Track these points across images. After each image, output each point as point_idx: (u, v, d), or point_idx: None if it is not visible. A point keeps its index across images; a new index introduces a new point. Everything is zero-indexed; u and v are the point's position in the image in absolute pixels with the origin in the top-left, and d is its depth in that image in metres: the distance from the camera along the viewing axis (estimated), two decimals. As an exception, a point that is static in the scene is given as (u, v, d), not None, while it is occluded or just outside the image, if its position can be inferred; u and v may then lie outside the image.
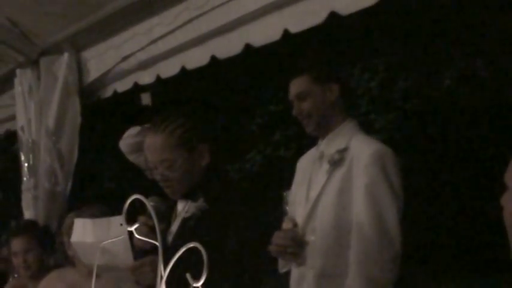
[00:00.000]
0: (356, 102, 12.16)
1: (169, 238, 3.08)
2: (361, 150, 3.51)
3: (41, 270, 4.36)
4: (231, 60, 4.26)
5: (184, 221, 3.07)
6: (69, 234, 3.92)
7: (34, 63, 5.38)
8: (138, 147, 3.79)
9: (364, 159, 3.46)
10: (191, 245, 1.60)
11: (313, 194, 3.58)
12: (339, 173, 3.51)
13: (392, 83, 12.07)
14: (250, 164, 12.31)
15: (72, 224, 3.91)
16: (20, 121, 5.47)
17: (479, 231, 11.28)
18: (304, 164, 3.84)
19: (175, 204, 3.15)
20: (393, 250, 3.40)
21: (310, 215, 3.56)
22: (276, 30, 3.75)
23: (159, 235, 1.79)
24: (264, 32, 3.86)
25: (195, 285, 1.56)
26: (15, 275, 4.63)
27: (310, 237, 3.54)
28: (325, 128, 3.65)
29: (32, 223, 4.82)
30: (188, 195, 3.07)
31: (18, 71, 5.48)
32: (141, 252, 2.88)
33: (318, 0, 3.50)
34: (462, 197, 11.81)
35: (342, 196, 3.48)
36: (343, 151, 3.53)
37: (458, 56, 11.59)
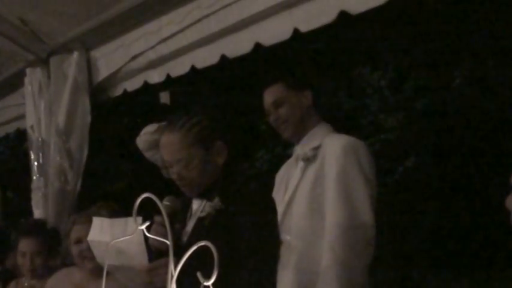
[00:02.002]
0: (365, 101, 12.16)
1: (185, 238, 3.07)
2: (332, 144, 3.62)
3: (45, 272, 4.36)
4: (241, 59, 4.26)
5: (200, 220, 3.05)
6: (70, 236, 3.93)
7: (44, 62, 5.39)
8: (155, 145, 3.79)
9: (335, 151, 3.58)
10: (202, 243, 1.60)
11: (289, 192, 3.69)
12: (312, 169, 3.65)
13: (402, 82, 12.06)
14: (260, 163, 12.32)
15: (72, 225, 3.94)
16: (30, 120, 5.47)
17: (487, 230, 11.26)
18: (282, 173, 3.99)
19: (190, 203, 3.13)
20: (365, 235, 3.48)
21: (285, 214, 3.64)
22: (286, 29, 3.75)
23: (170, 234, 1.78)
24: (274, 31, 3.86)
25: (205, 283, 1.55)
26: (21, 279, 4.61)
27: (286, 237, 3.59)
28: (300, 133, 3.80)
29: (42, 223, 4.81)
30: (204, 195, 3.05)
31: (28, 70, 5.49)
32: (157, 253, 2.87)
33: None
34: (471, 196, 11.79)
35: (315, 190, 3.59)
36: (316, 148, 3.67)
37: (468, 55, 11.57)
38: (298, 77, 3.90)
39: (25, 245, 4.42)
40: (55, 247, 4.49)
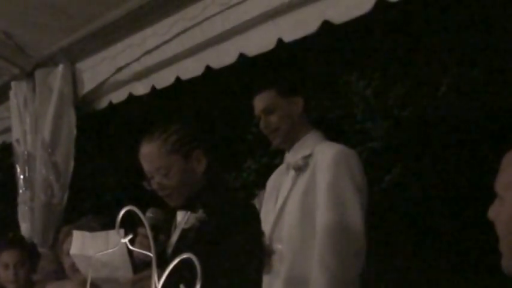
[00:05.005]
0: (351, 110, 12.16)
1: (169, 249, 3.07)
2: (323, 153, 3.61)
3: (27, 286, 4.34)
4: (226, 70, 4.27)
5: (184, 232, 3.05)
6: (62, 247, 3.92)
7: (29, 76, 5.37)
8: None
9: (326, 160, 3.57)
10: (185, 255, 1.60)
11: (280, 201, 3.67)
12: (303, 178, 3.62)
13: (388, 90, 12.07)
14: (247, 173, 12.30)
15: (65, 237, 3.91)
16: (16, 133, 5.46)
17: (475, 238, 11.29)
18: (273, 180, 3.95)
19: (174, 214, 3.14)
20: (356, 245, 3.47)
21: (277, 223, 3.64)
22: (270, 39, 3.76)
23: (153, 246, 1.78)
24: (258, 42, 3.87)
25: (189, 295, 1.55)
26: None
27: (277, 246, 3.59)
28: (291, 141, 3.77)
29: (21, 237, 4.81)
30: (187, 206, 3.06)
31: (13, 84, 5.48)
32: (142, 264, 2.87)
33: (311, 10, 3.51)
34: (458, 203, 11.81)
35: (306, 199, 3.58)
36: (307, 157, 3.65)
37: (453, 63, 11.59)
38: (288, 83, 3.88)
39: (8, 257, 4.39)
40: (36, 261, 4.48)
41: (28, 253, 4.47)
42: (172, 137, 3.04)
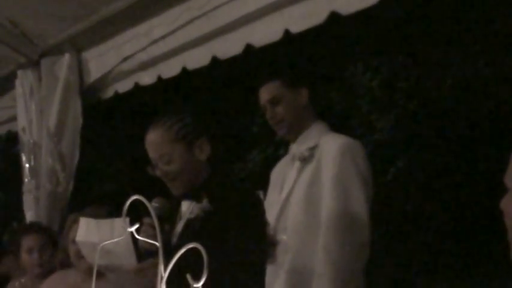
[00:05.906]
0: (357, 102, 12.15)
1: (174, 239, 3.08)
2: (329, 145, 3.61)
3: (48, 271, 4.34)
4: (232, 61, 4.26)
5: (189, 222, 3.07)
6: (68, 235, 3.92)
7: (35, 64, 5.37)
8: None
9: (332, 151, 3.57)
10: (191, 245, 1.60)
11: (285, 192, 3.68)
12: (308, 169, 3.63)
13: (394, 82, 12.05)
14: (252, 164, 12.31)
15: (72, 224, 3.91)
16: (21, 122, 5.46)
17: (479, 232, 11.28)
18: (277, 170, 3.96)
19: (179, 204, 3.15)
20: (361, 238, 3.47)
21: (281, 214, 3.64)
22: (277, 30, 3.75)
23: (160, 235, 1.78)
24: (265, 32, 3.86)
25: (195, 285, 1.55)
26: (22, 280, 4.57)
27: (282, 236, 3.59)
28: (296, 131, 3.77)
29: (39, 223, 4.81)
30: (192, 196, 3.08)
31: (19, 72, 5.48)
32: (147, 254, 2.88)
33: (318, 0, 3.50)
34: (463, 197, 11.80)
35: (311, 190, 3.58)
36: (313, 148, 3.65)
37: (459, 56, 11.57)
38: (294, 74, 3.88)
39: (31, 241, 4.40)
40: (56, 246, 4.48)
41: (50, 237, 4.48)
42: (177, 125, 3.07)
